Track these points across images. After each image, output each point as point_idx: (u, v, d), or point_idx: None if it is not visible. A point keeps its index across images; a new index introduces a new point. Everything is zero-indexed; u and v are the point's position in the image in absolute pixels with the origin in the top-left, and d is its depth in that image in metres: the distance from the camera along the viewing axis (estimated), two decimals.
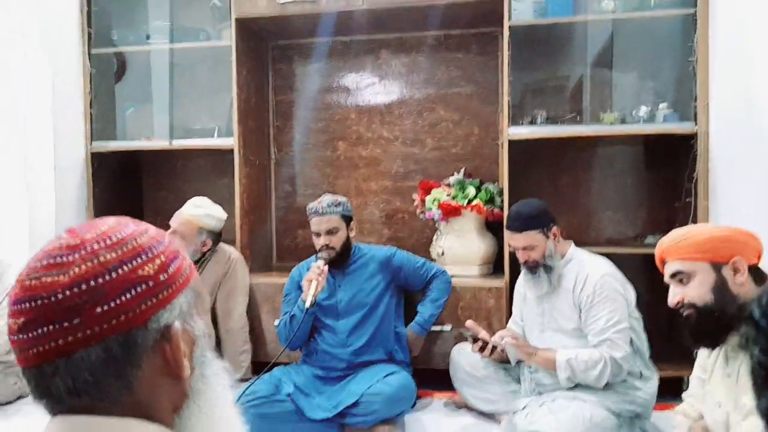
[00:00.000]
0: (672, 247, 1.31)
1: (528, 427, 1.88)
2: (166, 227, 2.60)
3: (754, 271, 1.26)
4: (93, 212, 2.99)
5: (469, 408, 2.31)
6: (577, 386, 1.95)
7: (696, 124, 2.45)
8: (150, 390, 0.55)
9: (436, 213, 2.77)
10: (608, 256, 2.14)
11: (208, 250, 2.62)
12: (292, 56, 3.31)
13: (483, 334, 2.06)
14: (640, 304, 2.07)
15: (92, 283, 0.52)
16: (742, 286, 1.23)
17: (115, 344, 0.53)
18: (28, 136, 2.71)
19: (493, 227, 2.87)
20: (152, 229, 0.60)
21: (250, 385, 2.10)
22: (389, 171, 3.23)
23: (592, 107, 2.90)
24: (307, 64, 3.29)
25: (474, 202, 2.72)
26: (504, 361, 2.22)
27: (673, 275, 1.30)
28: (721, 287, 1.23)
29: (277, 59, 3.32)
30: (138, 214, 3.38)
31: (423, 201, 2.86)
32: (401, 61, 3.20)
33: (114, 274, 0.53)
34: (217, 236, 2.64)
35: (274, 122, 3.34)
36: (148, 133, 3.17)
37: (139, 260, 0.55)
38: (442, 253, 2.82)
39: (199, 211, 2.56)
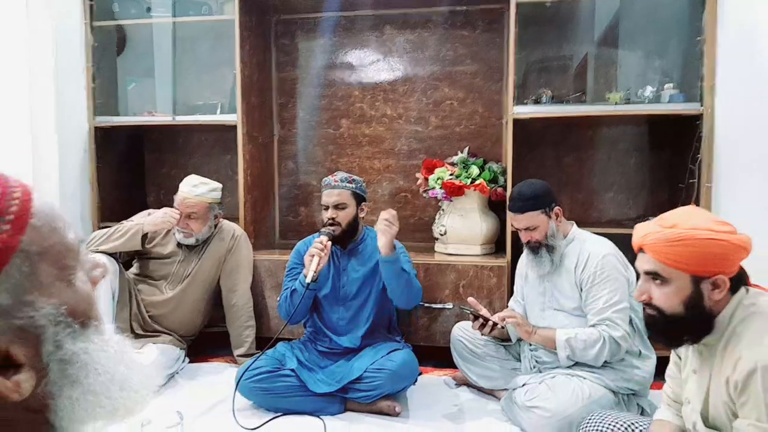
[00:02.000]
0: (657, 245, 1.17)
1: (527, 403, 1.92)
2: (169, 203, 2.61)
3: (735, 280, 1.16)
4: (96, 187, 2.99)
5: (469, 385, 2.36)
6: (576, 364, 1.98)
7: (702, 105, 2.43)
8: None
9: (439, 192, 2.77)
10: (610, 236, 2.15)
11: (218, 222, 2.65)
12: (295, 31, 3.28)
13: (484, 311, 2.08)
14: None
15: None
16: (718, 301, 1.15)
17: None
18: (32, 111, 2.69)
19: (495, 206, 2.88)
20: None
21: (254, 361, 2.14)
22: (393, 149, 3.22)
23: (598, 86, 2.89)
24: (310, 40, 3.26)
25: (477, 182, 2.72)
26: (504, 338, 2.26)
27: (648, 273, 1.21)
28: (694, 300, 1.14)
29: (281, 34, 3.29)
30: (141, 188, 3.39)
31: (426, 180, 2.87)
32: (406, 38, 3.16)
33: None
34: (221, 205, 2.69)
35: (277, 99, 3.32)
36: (150, 107, 3.15)
37: None
38: (445, 232, 2.84)
39: (204, 188, 2.57)
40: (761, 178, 2.12)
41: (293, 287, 2.24)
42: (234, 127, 2.87)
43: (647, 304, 1.21)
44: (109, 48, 3.18)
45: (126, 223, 2.49)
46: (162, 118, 3.02)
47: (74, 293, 0.47)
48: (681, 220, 1.17)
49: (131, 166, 3.34)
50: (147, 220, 2.47)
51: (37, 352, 0.43)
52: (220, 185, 2.65)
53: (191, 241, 2.56)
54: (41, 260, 0.44)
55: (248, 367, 2.12)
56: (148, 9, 3.03)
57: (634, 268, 2.07)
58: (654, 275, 1.19)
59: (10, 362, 0.41)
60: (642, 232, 1.22)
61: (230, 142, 2.99)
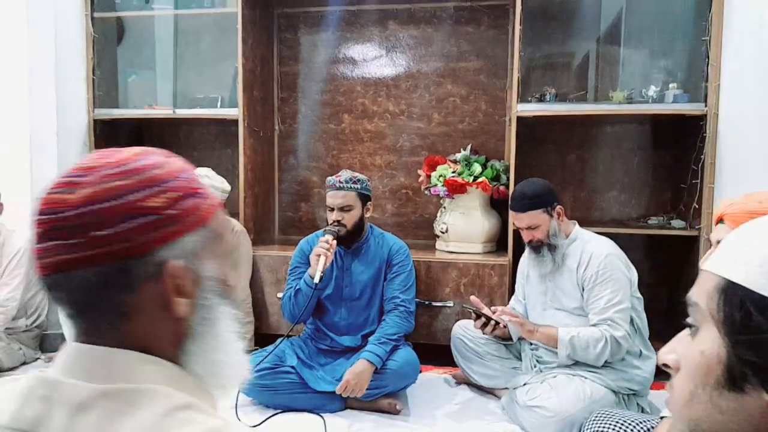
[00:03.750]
0: (737, 216, 1.14)
1: (529, 403, 1.92)
2: None
3: None
4: None
5: (470, 383, 2.36)
6: (576, 363, 1.98)
7: (706, 105, 2.43)
8: (146, 321, 0.56)
9: (441, 189, 2.76)
10: (612, 236, 2.14)
11: None
12: (298, 25, 3.25)
13: (486, 310, 2.08)
14: (642, 285, 2.08)
15: (97, 206, 0.52)
16: None
17: (111, 270, 0.53)
18: (31, 102, 2.67)
19: (497, 205, 2.87)
20: (176, 163, 0.59)
21: (254, 358, 2.13)
22: (395, 146, 3.21)
23: (602, 85, 2.88)
24: (313, 34, 3.24)
25: (480, 180, 2.71)
26: (505, 337, 2.25)
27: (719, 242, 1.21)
28: None
29: (283, 28, 3.26)
30: None
31: (428, 177, 2.85)
32: (409, 33, 3.14)
33: (119, 201, 0.53)
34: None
35: (279, 93, 3.30)
36: (150, 100, 3.13)
37: (148, 191, 0.54)
38: (446, 230, 2.83)
39: (205, 181, 2.54)
40: (764, 179, 2.12)
41: (297, 286, 2.21)
42: (235, 121, 2.85)
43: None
44: (110, 40, 3.15)
45: None
46: (162, 111, 3.00)
47: (227, 271, 0.62)
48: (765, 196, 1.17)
49: None
50: None
51: (195, 295, 0.58)
52: (226, 188, 2.61)
53: None
54: (219, 239, 0.60)
55: (255, 366, 2.11)
56: (147, 0, 3.00)
57: (637, 268, 2.09)
58: None
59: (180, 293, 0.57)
60: (726, 203, 1.23)
61: (232, 136, 2.98)
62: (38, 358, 2.63)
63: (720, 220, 1.22)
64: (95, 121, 2.98)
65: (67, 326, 0.58)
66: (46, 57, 2.73)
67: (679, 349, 0.54)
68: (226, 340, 0.61)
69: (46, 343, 2.75)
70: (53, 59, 2.74)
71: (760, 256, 0.47)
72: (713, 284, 0.50)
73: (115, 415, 0.50)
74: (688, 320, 0.53)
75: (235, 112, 2.84)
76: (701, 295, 0.51)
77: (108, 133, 3.04)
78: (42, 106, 2.73)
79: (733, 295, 0.48)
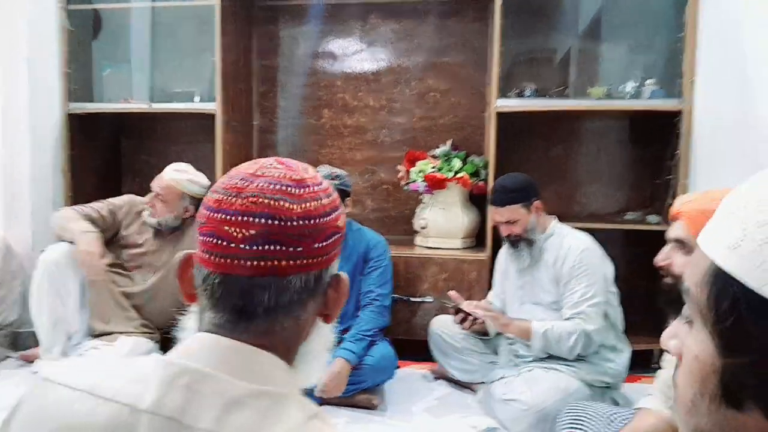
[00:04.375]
0: (692, 214, 1.14)
1: (504, 396, 1.93)
2: (147, 191, 2.55)
3: None
4: (69, 175, 2.92)
5: (448, 378, 2.36)
6: (552, 357, 1.99)
7: (682, 101, 2.45)
8: (301, 327, 0.61)
9: (421, 185, 2.76)
10: (590, 230, 2.16)
11: (190, 216, 2.58)
12: (278, 18, 3.22)
13: (465, 305, 2.08)
14: (618, 279, 2.10)
15: (316, 220, 0.59)
16: None
17: (313, 278, 0.59)
18: (4, 96, 2.62)
19: (477, 200, 2.87)
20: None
21: None
22: (375, 141, 3.19)
23: (581, 81, 2.89)
24: (293, 27, 3.21)
25: (459, 175, 2.71)
26: (483, 332, 2.26)
27: (676, 240, 1.19)
28: None
29: (263, 21, 3.23)
30: (117, 176, 3.32)
31: (408, 172, 2.85)
32: (391, 28, 3.13)
33: (328, 218, 0.60)
34: (199, 203, 2.60)
35: (258, 87, 3.27)
36: (126, 94, 3.07)
37: (338, 211, 0.63)
38: (426, 226, 2.82)
39: (183, 176, 2.51)
40: (737, 175, 2.14)
41: None
42: (213, 116, 2.81)
43: (667, 273, 1.22)
44: (85, 32, 3.09)
45: (80, 224, 2.36)
46: (138, 105, 2.95)
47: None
48: (724, 195, 1.14)
49: (108, 153, 3.26)
50: (80, 246, 2.28)
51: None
52: (205, 183, 2.57)
53: (153, 222, 2.49)
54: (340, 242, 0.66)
55: None
56: None
57: (614, 262, 2.10)
58: (681, 243, 1.19)
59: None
60: (683, 200, 1.24)
61: (210, 131, 2.93)
62: (8, 357, 2.58)
63: (677, 217, 1.22)
64: (70, 115, 2.92)
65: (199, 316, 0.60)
66: (19, 50, 2.67)
67: (681, 335, 0.46)
68: (321, 343, 0.66)
69: (19, 342, 2.70)
70: (26, 53, 2.68)
71: (757, 239, 0.37)
72: (704, 269, 0.41)
73: (267, 416, 0.52)
74: (684, 308, 0.45)
75: (213, 107, 2.81)
76: (693, 280, 0.43)
77: (83, 128, 2.99)
78: (15, 100, 2.67)
79: (723, 291, 0.39)
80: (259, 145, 3.29)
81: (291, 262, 0.57)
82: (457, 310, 2.05)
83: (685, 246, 1.18)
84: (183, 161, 2.68)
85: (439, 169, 2.74)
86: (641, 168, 2.93)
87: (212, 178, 2.79)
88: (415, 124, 3.15)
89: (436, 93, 3.11)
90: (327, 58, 3.19)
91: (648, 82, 2.60)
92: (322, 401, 2.11)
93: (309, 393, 2.05)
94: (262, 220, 0.56)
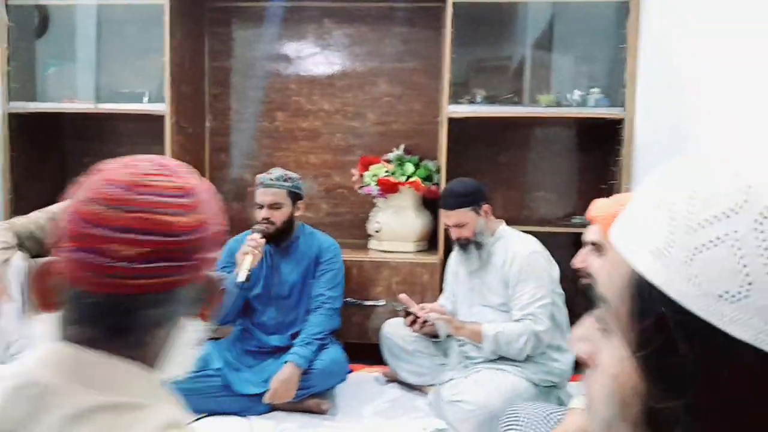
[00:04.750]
0: (606, 218, 1.20)
1: (452, 397, 1.95)
2: None
3: None
4: (10, 176, 2.80)
5: (399, 381, 2.37)
6: (500, 358, 2.03)
7: (624, 109, 2.55)
8: (179, 329, 0.60)
9: (374, 189, 2.77)
10: (538, 234, 2.21)
11: None
12: (230, 20, 3.18)
13: (415, 308, 2.10)
14: (566, 280, 2.16)
15: (206, 231, 0.57)
16: None
17: (200, 288, 0.59)
18: None
19: (430, 204, 2.90)
20: None
21: None
22: (329, 144, 3.19)
23: (531, 88, 2.97)
24: (246, 29, 3.18)
25: (412, 179, 2.74)
26: (434, 335, 2.28)
27: (592, 243, 1.25)
28: None
29: (214, 22, 3.18)
30: (61, 178, 3.19)
31: (362, 176, 2.86)
32: (345, 32, 3.13)
33: (216, 226, 0.60)
34: None
35: (210, 89, 3.21)
36: (70, 94, 2.97)
37: (219, 222, 0.62)
38: (379, 229, 2.84)
39: None
40: None
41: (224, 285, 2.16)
42: (162, 117, 2.75)
43: (585, 275, 1.26)
44: (28, 29, 2.97)
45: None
46: (83, 105, 2.86)
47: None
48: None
49: (51, 155, 3.14)
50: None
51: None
52: None
53: None
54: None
55: None
56: None
57: (561, 265, 2.16)
58: (596, 246, 1.23)
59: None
60: (598, 205, 1.27)
61: (159, 132, 2.86)
62: None
63: (593, 221, 1.28)
64: (10, 114, 2.80)
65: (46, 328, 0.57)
66: None
67: (593, 339, 0.38)
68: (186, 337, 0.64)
69: None
70: None
71: (690, 246, 0.30)
72: (623, 277, 0.34)
73: (114, 428, 0.50)
74: (597, 314, 0.38)
75: (162, 108, 2.75)
76: (611, 289, 0.36)
77: (24, 128, 2.87)
78: None
79: (647, 307, 0.32)
80: (210, 148, 3.24)
81: (181, 276, 0.56)
82: (407, 313, 2.07)
83: (601, 249, 1.24)
84: None
85: (392, 174, 2.76)
86: (588, 174, 3.02)
87: None
88: (369, 129, 3.16)
89: (391, 98, 3.13)
90: (281, 60, 3.17)
91: (593, 90, 2.69)
92: (272, 407, 2.09)
93: (258, 399, 2.02)
94: (153, 237, 0.53)
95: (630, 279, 0.33)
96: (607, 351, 0.36)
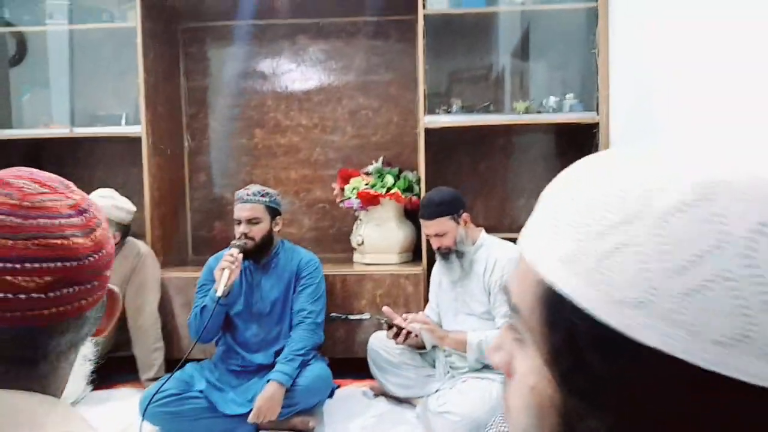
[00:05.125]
0: None
1: (439, 409, 1.93)
2: None
3: None
4: None
5: (387, 395, 2.35)
6: (486, 367, 2.02)
7: (598, 114, 2.57)
8: (70, 359, 0.56)
9: (355, 202, 2.77)
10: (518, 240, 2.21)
11: (117, 243, 2.49)
12: (204, 39, 3.18)
13: (398, 320, 2.08)
14: None
15: (105, 248, 0.55)
16: None
17: (101, 304, 0.56)
18: None
19: (411, 215, 2.90)
20: None
21: (162, 384, 2.02)
22: (309, 159, 3.19)
23: (507, 96, 3.00)
24: (220, 48, 3.18)
25: (392, 191, 2.74)
26: (419, 346, 2.26)
27: None
28: None
29: (189, 42, 3.18)
30: None
31: (342, 190, 2.85)
32: (319, 47, 3.15)
33: (111, 241, 0.58)
34: (126, 229, 2.52)
35: (187, 109, 3.21)
36: (46, 119, 2.95)
37: (106, 227, 0.59)
38: (362, 242, 2.83)
39: (107, 202, 2.43)
40: None
41: (203, 304, 2.15)
42: (139, 139, 2.73)
43: None
44: (1, 56, 2.96)
45: None
46: (58, 130, 2.83)
47: None
48: None
49: None
50: None
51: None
52: (131, 208, 2.50)
53: None
54: None
55: (153, 391, 2.00)
56: (45, 16, 2.85)
57: None
58: None
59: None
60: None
61: (137, 155, 2.85)
62: None
63: None
64: None
65: None
66: None
67: (509, 349, 0.37)
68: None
69: None
70: None
71: (599, 251, 0.30)
72: (532, 286, 0.33)
73: None
74: (511, 323, 0.37)
75: (138, 130, 2.73)
76: (522, 298, 0.35)
77: (0, 155, 2.84)
78: None
79: (557, 318, 0.31)
80: (190, 168, 3.22)
81: (89, 299, 0.53)
82: (390, 325, 2.05)
83: None
84: (109, 187, 2.59)
85: (372, 186, 2.76)
86: None
87: (140, 203, 2.71)
88: (348, 142, 3.17)
89: (368, 111, 3.15)
90: (257, 78, 3.17)
91: (568, 96, 2.72)
92: (257, 427, 2.06)
93: (244, 419, 1.99)
94: (57, 264, 0.50)
95: (540, 288, 0.32)
96: (523, 361, 0.35)
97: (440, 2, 2.68)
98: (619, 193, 0.30)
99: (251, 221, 2.18)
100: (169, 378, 2.03)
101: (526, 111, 2.74)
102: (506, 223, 3.09)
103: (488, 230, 2.25)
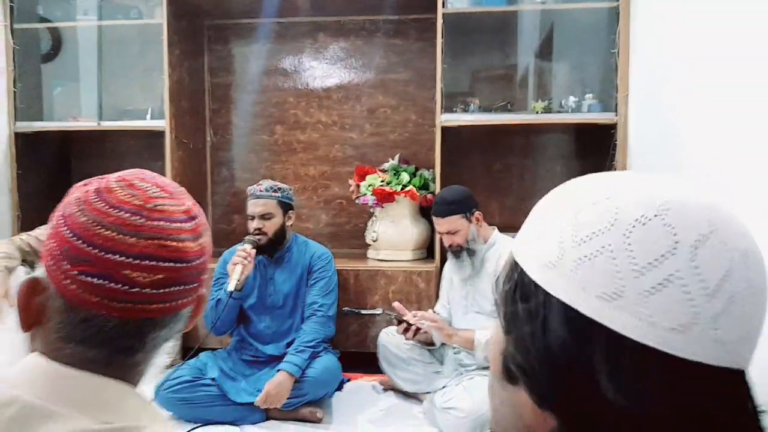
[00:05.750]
0: None
1: (444, 405, 1.95)
2: None
3: None
4: (17, 194, 2.88)
5: (395, 389, 2.37)
6: None
7: (617, 114, 2.55)
8: (157, 354, 0.61)
9: (370, 198, 2.79)
10: None
11: None
12: (228, 37, 3.25)
13: (408, 316, 2.10)
14: None
15: (208, 254, 0.60)
16: None
17: (195, 304, 0.60)
18: None
19: (426, 213, 2.92)
20: None
21: (174, 371, 2.09)
22: (327, 156, 3.23)
23: (524, 96, 2.98)
24: (244, 46, 3.24)
25: (407, 188, 2.76)
26: (429, 343, 2.28)
27: None
28: None
29: (213, 39, 3.26)
30: (65, 196, 3.27)
31: (358, 186, 2.88)
32: (340, 46, 3.19)
33: (211, 247, 0.61)
34: None
35: (210, 105, 3.28)
36: (75, 113, 3.06)
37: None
38: (377, 239, 2.86)
39: None
40: None
41: (218, 297, 2.21)
42: (162, 133, 2.82)
43: None
44: (34, 51, 3.07)
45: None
46: (86, 123, 2.94)
47: None
48: None
49: (56, 173, 3.22)
50: None
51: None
52: None
53: None
54: None
55: (168, 378, 2.07)
56: (76, 12, 2.96)
57: None
58: None
59: None
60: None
61: (161, 148, 2.93)
62: None
63: None
64: (16, 134, 2.89)
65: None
66: None
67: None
68: None
69: None
70: None
71: (576, 257, 0.39)
72: (509, 262, 0.45)
73: None
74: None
75: (162, 124, 2.81)
76: (502, 273, 0.46)
77: (30, 147, 2.96)
78: None
79: (510, 275, 0.43)
80: (212, 162, 3.30)
81: (189, 298, 0.58)
82: (400, 321, 2.07)
83: None
84: None
85: (388, 183, 2.78)
86: None
87: None
88: (366, 140, 3.20)
89: (386, 109, 3.17)
90: (278, 75, 3.23)
91: (587, 96, 2.70)
92: (267, 416, 2.11)
93: (253, 408, 2.04)
94: (169, 264, 0.54)
95: (518, 279, 0.42)
96: (494, 327, 0.47)
97: (460, 1, 2.69)
98: (594, 209, 0.39)
99: (264, 216, 2.23)
100: (180, 366, 2.10)
101: (544, 111, 2.73)
102: (521, 222, 3.04)
103: (503, 229, 2.25)
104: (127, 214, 0.54)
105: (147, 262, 0.53)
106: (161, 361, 0.61)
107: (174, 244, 0.55)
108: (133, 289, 0.53)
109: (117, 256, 0.52)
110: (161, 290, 0.54)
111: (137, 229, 0.53)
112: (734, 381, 0.38)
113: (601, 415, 0.37)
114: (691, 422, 0.36)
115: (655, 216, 0.37)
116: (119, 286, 0.52)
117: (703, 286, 0.35)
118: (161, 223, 0.55)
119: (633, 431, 0.37)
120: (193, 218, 0.58)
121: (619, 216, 0.38)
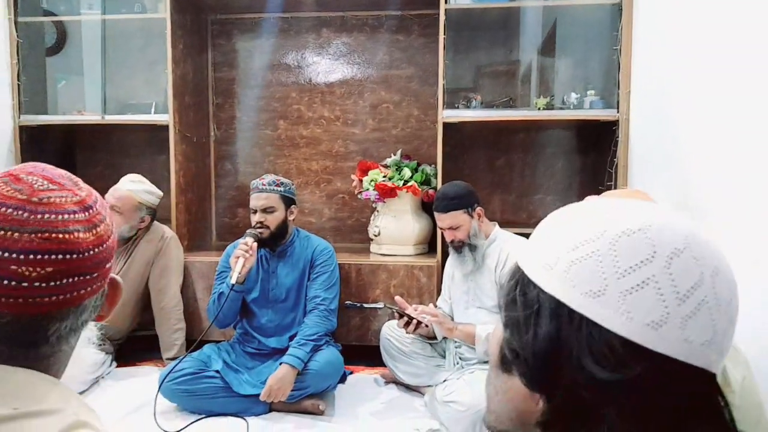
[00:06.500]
0: None
1: (445, 398, 1.97)
2: None
3: None
4: None
5: (397, 382, 2.40)
6: None
7: (618, 111, 2.56)
8: (73, 341, 0.61)
9: (372, 193, 2.81)
10: None
11: (146, 227, 2.60)
12: (232, 31, 3.26)
13: (410, 310, 2.13)
14: None
15: (107, 242, 0.59)
16: None
17: (101, 293, 0.60)
18: None
19: (428, 208, 2.93)
20: None
21: (177, 363, 2.12)
22: (330, 151, 3.24)
23: (526, 92, 2.99)
24: (247, 40, 3.26)
25: (409, 184, 2.78)
26: (430, 336, 2.30)
27: None
28: None
29: (217, 34, 3.27)
30: None
31: (361, 181, 2.90)
32: (343, 41, 3.20)
33: (112, 235, 0.61)
34: (154, 213, 2.63)
35: (214, 99, 3.30)
36: (80, 107, 3.08)
37: (110, 221, 0.63)
38: (379, 233, 2.88)
39: (138, 186, 2.54)
40: (668, 181, 2.24)
41: (221, 290, 2.24)
42: (166, 127, 2.83)
43: None
44: (38, 44, 3.09)
45: None
46: (90, 117, 2.95)
47: None
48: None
49: (61, 166, 3.20)
50: None
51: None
52: (159, 193, 2.62)
53: None
54: None
55: (172, 369, 2.10)
56: (79, 5, 2.97)
57: None
58: None
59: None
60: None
61: (165, 142, 2.95)
62: None
63: None
64: (21, 127, 2.91)
65: None
66: None
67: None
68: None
69: None
70: None
71: (568, 260, 0.46)
72: (514, 279, 0.51)
73: None
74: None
75: (166, 118, 2.83)
76: (505, 280, 0.54)
77: (35, 140, 2.98)
78: None
79: (513, 275, 0.51)
80: (216, 156, 3.32)
81: (88, 288, 0.57)
82: (401, 315, 2.10)
83: None
84: (138, 173, 2.70)
85: (390, 178, 2.80)
86: (584, 175, 3.03)
87: (167, 190, 2.82)
88: (368, 135, 3.21)
89: (389, 105, 3.18)
90: (281, 70, 3.24)
91: (589, 92, 2.71)
92: (270, 408, 2.13)
93: (257, 400, 2.07)
94: (58, 257, 0.54)
95: (519, 278, 0.50)
96: (496, 322, 0.54)
97: None
98: (588, 223, 0.47)
99: (266, 210, 2.25)
100: (183, 358, 2.13)
101: (546, 107, 2.74)
102: (523, 217, 3.09)
103: (504, 225, 2.27)
104: (10, 210, 0.53)
105: (32, 256, 0.52)
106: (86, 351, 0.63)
107: (61, 236, 0.54)
108: (23, 284, 0.52)
109: (2, 253, 0.52)
110: (52, 283, 0.53)
111: (21, 224, 0.53)
112: (702, 379, 0.43)
113: (585, 396, 0.43)
114: (662, 407, 0.42)
115: (639, 230, 0.44)
116: (7, 282, 0.52)
117: (675, 291, 0.42)
118: (47, 216, 0.54)
119: (613, 411, 0.42)
120: (87, 208, 0.57)
121: (608, 228, 0.45)
